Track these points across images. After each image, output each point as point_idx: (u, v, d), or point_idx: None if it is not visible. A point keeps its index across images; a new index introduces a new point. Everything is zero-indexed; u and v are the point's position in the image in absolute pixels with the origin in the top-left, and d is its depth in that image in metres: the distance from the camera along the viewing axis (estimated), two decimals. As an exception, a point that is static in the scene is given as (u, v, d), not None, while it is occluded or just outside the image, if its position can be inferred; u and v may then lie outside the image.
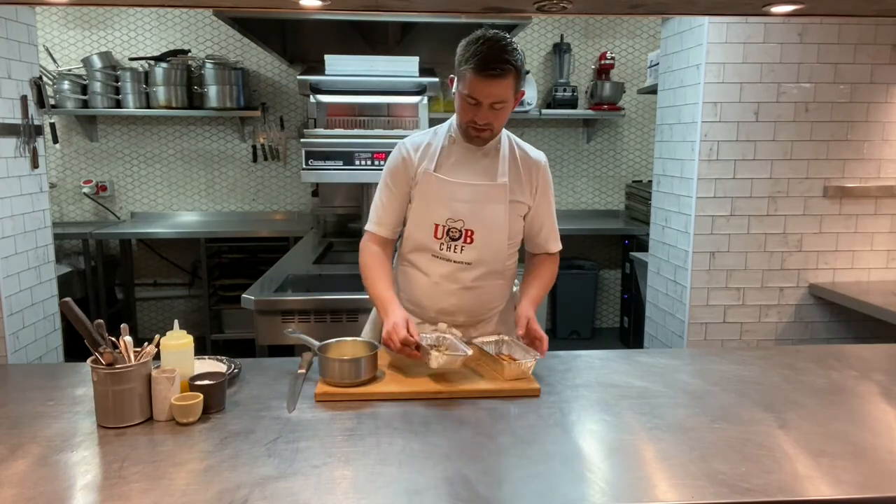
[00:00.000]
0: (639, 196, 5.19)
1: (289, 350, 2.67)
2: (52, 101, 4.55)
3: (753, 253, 3.28)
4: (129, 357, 1.50)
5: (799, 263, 3.31)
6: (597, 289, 5.49)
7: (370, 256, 1.95)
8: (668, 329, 3.57)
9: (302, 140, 3.18)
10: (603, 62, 5.17)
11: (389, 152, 2.02)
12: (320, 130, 3.35)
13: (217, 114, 4.96)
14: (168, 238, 5.04)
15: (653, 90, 4.11)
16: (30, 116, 3.01)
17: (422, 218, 1.94)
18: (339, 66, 3.47)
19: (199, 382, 1.55)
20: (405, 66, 3.47)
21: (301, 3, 1.82)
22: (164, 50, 4.97)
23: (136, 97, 4.78)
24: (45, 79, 3.71)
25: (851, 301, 3.06)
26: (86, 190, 5.09)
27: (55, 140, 4.13)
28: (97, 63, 4.76)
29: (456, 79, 1.82)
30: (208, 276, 4.85)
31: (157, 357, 1.57)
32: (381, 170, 2.03)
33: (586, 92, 5.25)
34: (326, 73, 3.46)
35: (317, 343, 1.77)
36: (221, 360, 1.79)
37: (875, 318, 2.94)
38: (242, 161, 5.29)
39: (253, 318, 2.74)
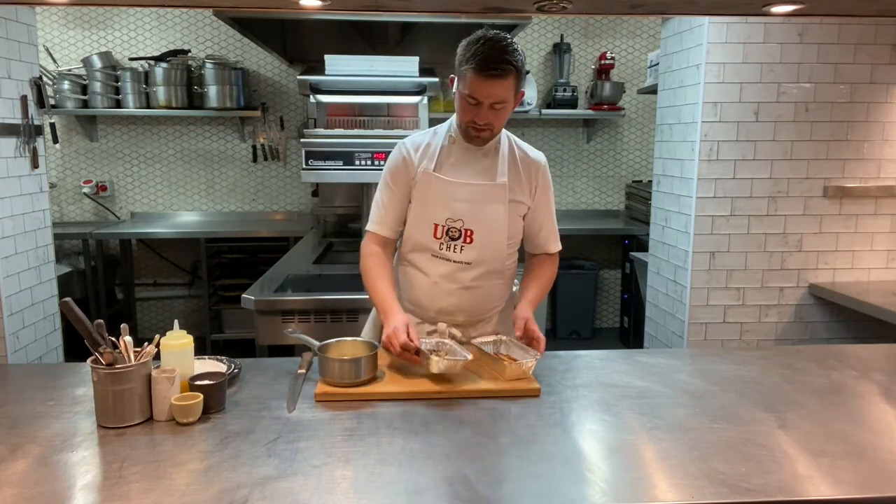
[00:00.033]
0: (639, 196, 5.19)
1: (289, 350, 2.67)
2: (52, 101, 4.55)
3: (753, 253, 3.28)
4: (129, 357, 1.50)
5: (799, 263, 3.31)
6: (597, 289, 5.49)
7: (371, 258, 1.95)
8: (668, 329, 3.57)
9: (302, 140, 3.18)
10: (603, 62, 5.17)
11: (389, 152, 2.02)
12: (320, 130, 3.35)
13: (217, 114, 4.96)
14: (168, 238, 5.04)
15: (653, 90, 4.11)
16: (30, 116, 3.01)
17: (421, 218, 1.94)
18: (339, 66, 3.46)
19: (199, 382, 1.55)
20: (405, 66, 3.47)
21: (301, 3, 1.82)
22: (164, 50, 4.97)
23: (136, 97, 4.78)
24: (45, 79, 3.71)
25: (851, 301, 3.06)
26: (86, 190, 5.09)
27: (55, 140, 4.13)
28: (97, 63, 4.76)
29: (456, 78, 1.82)
30: (208, 276, 4.84)
31: (157, 357, 1.57)
32: (381, 170, 2.03)
33: (586, 92, 5.25)
34: (326, 73, 3.46)
35: (317, 343, 1.77)
36: (221, 360, 1.79)
37: (875, 318, 2.94)
38: (242, 161, 5.29)
39: (253, 318, 2.74)
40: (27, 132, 3.00)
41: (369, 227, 1.99)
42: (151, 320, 5.42)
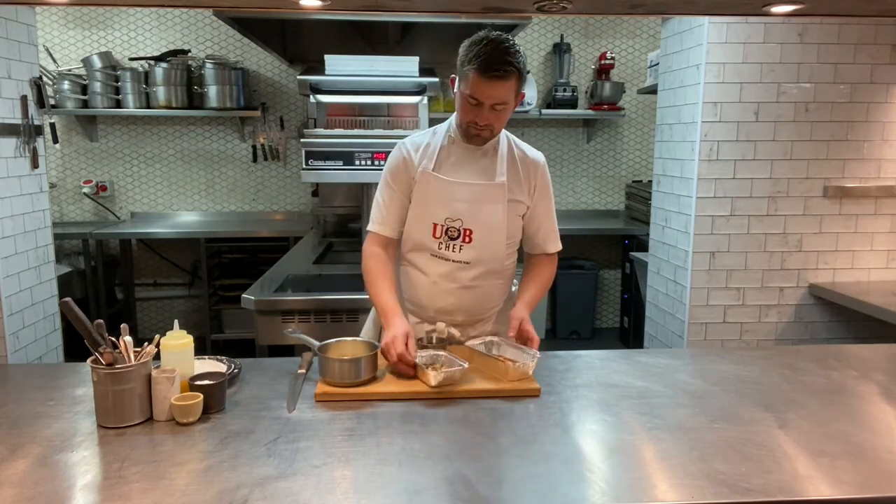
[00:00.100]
0: (639, 196, 5.19)
1: (289, 350, 2.67)
2: (52, 101, 4.55)
3: (753, 253, 3.28)
4: (129, 357, 1.50)
5: (799, 263, 3.31)
6: (597, 289, 5.49)
7: (372, 259, 1.95)
8: (668, 329, 3.57)
9: (302, 140, 3.18)
10: (603, 62, 5.17)
11: (389, 152, 2.02)
12: (320, 130, 3.35)
13: (217, 114, 4.96)
14: (168, 238, 5.04)
15: (653, 90, 4.11)
16: (30, 116, 3.01)
17: (420, 217, 1.94)
18: (339, 66, 3.46)
19: (199, 382, 1.55)
20: (405, 66, 3.47)
21: (301, 3, 1.82)
22: (164, 50, 4.98)
23: (136, 97, 4.78)
24: (45, 79, 3.71)
25: (851, 301, 3.06)
26: (86, 190, 5.09)
27: (55, 140, 4.13)
28: (97, 63, 4.77)
29: (458, 79, 1.83)
30: (208, 276, 4.85)
31: (157, 357, 1.57)
32: (381, 170, 2.03)
33: (586, 92, 5.25)
34: (326, 73, 3.46)
35: (317, 343, 1.77)
36: (221, 360, 1.79)
37: (875, 318, 2.94)
38: (242, 161, 5.29)
39: (253, 318, 2.74)
40: (27, 132, 3.00)
41: (370, 227, 1.99)
42: (151, 320, 5.42)
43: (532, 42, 5.31)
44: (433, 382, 1.63)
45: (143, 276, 5.37)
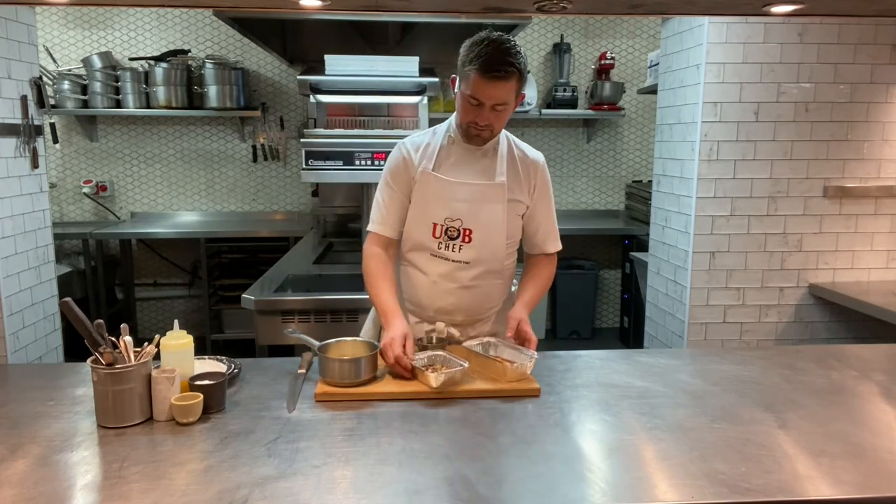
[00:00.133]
0: (639, 196, 5.19)
1: (289, 350, 2.67)
2: (52, 101, 4.55)
3: (753, 253, 3.28)
4: (129, 357, 1.50)
5: (799, 263, 3.31)
6: (597, 289, 5.49)
7: (373, 260, 1.95)
8: (668, 329, 3.57)
9: (302, 140, 3.18)
10: (603, 62, 5.17)
11: (389, 152, 2.02)
12: (320, 130, 3.35)
13: (217, 114, 4.96)
14: (168, 238, 5.04)
15: (653, 90, 4.11)
16: (30, 116, 3.01)
17: (420, 217, 1.94)
18: (339, 66, 3.46)
19: (199, 382, 1.55)
20: (405, 66, 3.47)
21: (301, 3, 1.82)
22: (164, 50, 4.97)
23: (136, 97, 4.78)
24: (45, 79, 3.71)
25: (851, 301, 3.05)
26: (86, 190, 5.09)
27: (55, 140, 4.13)
28: (97, 63, 4.76)
29: (458, 79, 1.83)
30: (208, 276, 4.85)
31: (157, 357, 1.57)
32: (381, 170, 2.03)
33: (586, 92, 5.25)
34: (326, 73, 3.46)
35: (317, 343, 1.77)
36: (221, 360, 1.79)
37: (875, 318, 2.94)
38: (242, 161, 5.29)
39: (253, 318, 2.74)
40: (27, 132, 3.00)
41: (371, 227, 1.99)
42: (151, 320, 5.42)
43: (532, 42, 5.31)
44: (434, 384, 1.63)
45: (143, 276, 5.37)
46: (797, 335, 3.36)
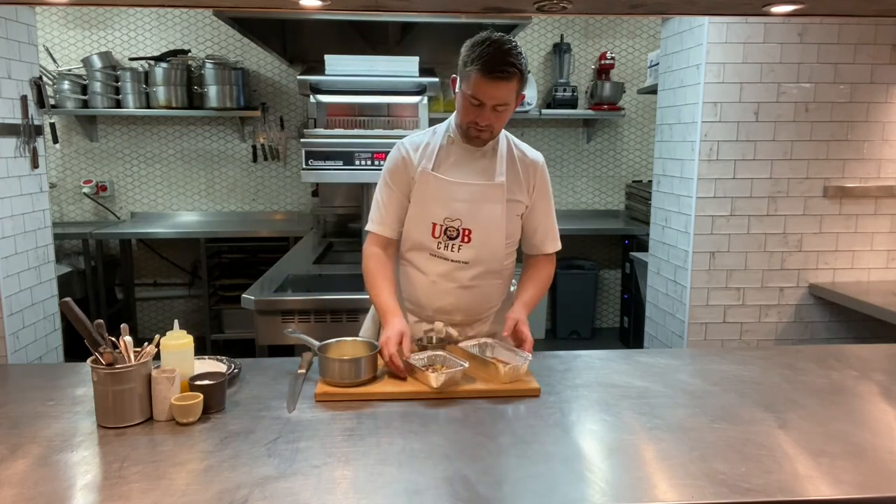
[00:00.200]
0: (639, 196, 5.19)
1: (289, 350, 2.67)
2: (52, 101, 4.55)
3: (753, 253, 3.28)
4: (129, 357, 1.50)
5: (799, 263, 3.31)
6: (597, 289, 5.49)
7: (372, 259, 1.95)
8: (668, 329, 3.57)
9: (302, 140, 3.18)
10: (603, 62, 5.17)
11: (389, 152, 2.02)
12: (320, 130, 3.35)
13: (217, 114, 4.96)
14: (168, 238, 5.04)
15: (653, 90, 4.11)
16: (30, 116, 3.01)
17: (419, 217, 1.94)
18: (339, 66, 3.47)
19: (199, 382, 1.55)
20: (405, 66, 3.47)
21: (301, 3, 1.82)
22: (164, 50, 4.97)
23: (136, 97, 4.78)
24: (45, 79, 3.71)
25: (851, 301, 3.06)
26: (86, 190, 5.09)
27: (55, 140, 4.14)
28: (97, 63, 4.76)
29: (459, 79, 1.83)
30: (208, 276, 4.85)
31: (157, 357, 1.57)
32: (381, 170, 2.03)
33: (586, 92, 5.25)
34: (326, 73, 3.46)
35: (317, 343, 1.77)
36: (221, 360, 1.79)
37: (875, 318, 2.94)
38: (242, 161, 5.29)
39: (253, 318, 2.74)
40: (27, 132, 3.00)
41: (370, 227, 1.99)
42: (151, 320, 5.42)
43: (532, 42, 5.31)
44: (435, 384, 1.63)
45: (143, 276, 5.37)
46: (797, 335, 3.36)
